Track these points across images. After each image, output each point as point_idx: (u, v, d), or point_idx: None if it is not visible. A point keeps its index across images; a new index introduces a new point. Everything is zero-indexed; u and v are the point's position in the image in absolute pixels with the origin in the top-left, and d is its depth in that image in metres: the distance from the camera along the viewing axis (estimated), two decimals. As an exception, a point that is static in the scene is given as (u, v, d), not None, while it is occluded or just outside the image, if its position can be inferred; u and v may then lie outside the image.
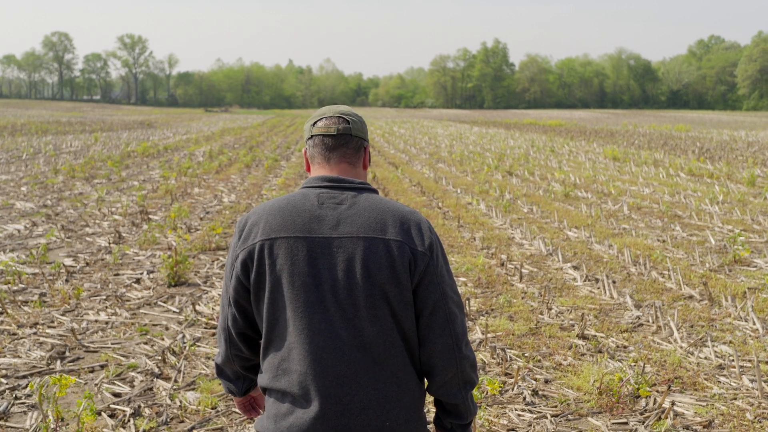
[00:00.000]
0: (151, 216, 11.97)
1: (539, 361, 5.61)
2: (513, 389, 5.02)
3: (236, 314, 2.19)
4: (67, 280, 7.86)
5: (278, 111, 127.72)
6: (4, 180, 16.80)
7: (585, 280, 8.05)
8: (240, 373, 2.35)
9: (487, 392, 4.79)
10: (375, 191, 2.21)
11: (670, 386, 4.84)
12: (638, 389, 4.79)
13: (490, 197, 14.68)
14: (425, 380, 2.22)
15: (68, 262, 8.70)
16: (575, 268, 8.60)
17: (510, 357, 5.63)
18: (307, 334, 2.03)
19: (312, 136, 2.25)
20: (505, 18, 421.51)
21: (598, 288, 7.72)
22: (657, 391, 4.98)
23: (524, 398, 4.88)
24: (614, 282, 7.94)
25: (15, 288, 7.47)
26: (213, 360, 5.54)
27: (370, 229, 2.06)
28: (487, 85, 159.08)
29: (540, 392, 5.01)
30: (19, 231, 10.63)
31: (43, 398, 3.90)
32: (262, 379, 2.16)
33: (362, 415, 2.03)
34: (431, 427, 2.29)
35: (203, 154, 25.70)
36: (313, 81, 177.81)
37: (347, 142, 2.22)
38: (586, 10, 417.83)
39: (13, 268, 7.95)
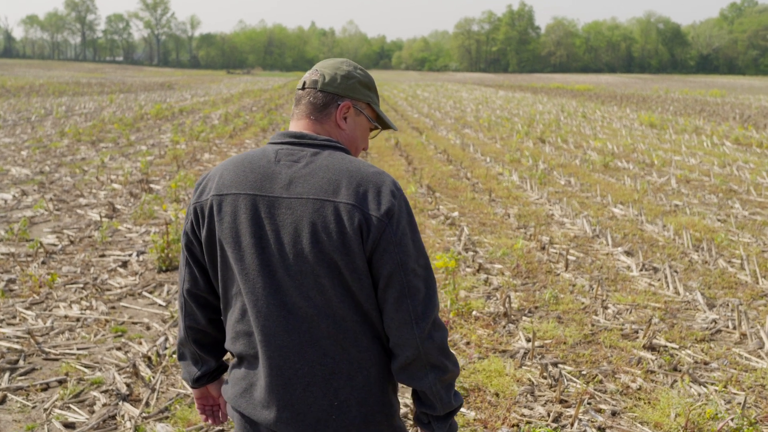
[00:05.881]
0: (153, 185, 10.93)
1: (601, 382, 4.50)
2: (573, 426, 3.92)
3: (194, 273, 1.99)
4: (44, 262, 6.85)
5: (300, 73, 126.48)
6: (5, 143, 15.84)
7: (641, 270, 6.90)
8: (197, 354, 2.09)
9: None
10: (342, 149, 1.92)
11: (787, 434, 3.71)
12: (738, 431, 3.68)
13: (522, 167, 13.48)
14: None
15: (50, 239, 7.69)
16: (628, 254, 7.45)
17: (564, 377, 4.53)
18: (251, 298, 1.82)
19: None
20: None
21: (659, 280, 6.58)
22: (761, 434, 3.85)
23: (589, 441, 3.78)
24: (676, 272, 6.80)
25: (-18, 272, 6.46)
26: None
27: (322, 190, 1.79)
28: (512, 48, 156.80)
29: (607, 430, 3.90)
30: (5, 201, 9.64)
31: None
32: (226, 343, 1.99)
33: (307, 392, 1.82)
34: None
35: (219, 117, 24.60)
36: (336, 43, 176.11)
37: (312, 97, 1.96)
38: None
39: (-15, 247, 6.98)
